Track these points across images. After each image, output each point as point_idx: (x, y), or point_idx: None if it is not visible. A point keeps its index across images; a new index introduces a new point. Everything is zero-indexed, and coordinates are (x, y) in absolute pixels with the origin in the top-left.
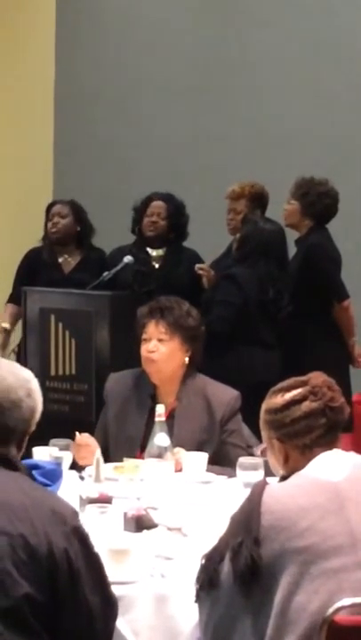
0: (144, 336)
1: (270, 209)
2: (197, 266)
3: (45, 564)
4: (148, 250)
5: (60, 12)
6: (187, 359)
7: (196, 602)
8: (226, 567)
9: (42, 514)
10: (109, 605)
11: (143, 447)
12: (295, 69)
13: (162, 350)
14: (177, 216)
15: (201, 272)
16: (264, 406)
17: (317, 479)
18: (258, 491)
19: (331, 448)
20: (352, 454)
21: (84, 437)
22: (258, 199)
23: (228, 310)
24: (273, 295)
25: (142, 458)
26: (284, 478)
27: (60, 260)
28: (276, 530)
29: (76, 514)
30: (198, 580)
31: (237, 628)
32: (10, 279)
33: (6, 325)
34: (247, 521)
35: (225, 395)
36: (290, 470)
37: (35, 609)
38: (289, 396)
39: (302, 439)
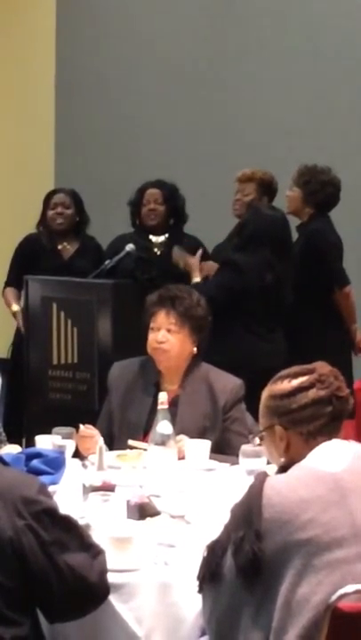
0: (152, 325)
1: None
2: (199, 254)
3: (9, 547)
4: (150, 237)
5: (61, 3)
6: (195, 349)
7: (199, 592)
8: (228, 561)
9: (9, 502)
10: (96, 554)
11: (146, 433)
12: (295, 58)
13: (172, 341)
14: (173, 199)
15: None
16: (267, 392)
17: (318, 470)
18: (258, 483)
19: (332, 437)
20: (352, 444)
21: (87, 429)
22: (267, 186)
23: (223, 294)
24: (270, 282)
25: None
26: (283, 469)
27: (60, 247)
28: (277, 523)
29: (42, 489)
30: (200, 573)
31: (241, 621)
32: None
33: (17, 308)
34: (248, 514)
35: (228, 382)
36: (290, 459)
37: (5, 597)
38: (296, 382)
39: (307, 426)
